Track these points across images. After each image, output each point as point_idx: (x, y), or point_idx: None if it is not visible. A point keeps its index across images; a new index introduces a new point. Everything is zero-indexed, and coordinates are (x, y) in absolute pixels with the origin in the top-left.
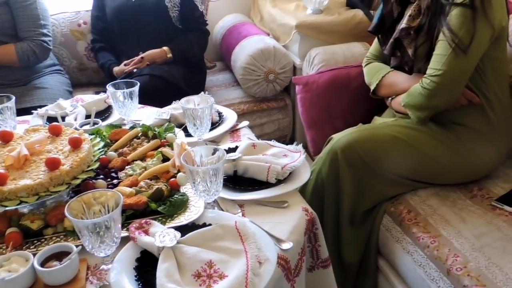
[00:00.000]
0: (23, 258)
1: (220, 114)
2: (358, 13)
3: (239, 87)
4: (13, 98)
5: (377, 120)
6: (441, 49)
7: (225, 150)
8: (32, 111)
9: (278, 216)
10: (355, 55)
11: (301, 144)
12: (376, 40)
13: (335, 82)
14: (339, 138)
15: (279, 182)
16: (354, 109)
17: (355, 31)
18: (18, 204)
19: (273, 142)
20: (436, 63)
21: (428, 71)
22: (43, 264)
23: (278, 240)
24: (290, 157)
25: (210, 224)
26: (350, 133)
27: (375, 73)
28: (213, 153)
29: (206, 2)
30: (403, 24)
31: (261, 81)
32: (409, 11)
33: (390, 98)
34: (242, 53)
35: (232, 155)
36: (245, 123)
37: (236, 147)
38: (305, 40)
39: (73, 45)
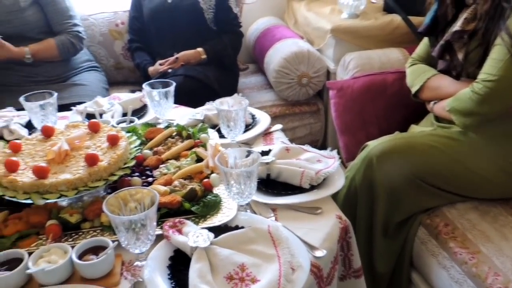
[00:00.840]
0: (62, 250)
1: (253, 117)
2: (396, 18)
3: (272, 89)
4: (55, 94)
5: (415, 129)
6: (498, 54)
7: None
8: (71, 107)
9: (311, 222)
10: (392, 61)
11: (336, 150)
12: (423, 42)
13: (371, 87)
14: (375, 145)
15: (312, 187)
16: (389, 116)
17: (392, 37)
18: (58, 198)
19: (306, 147)
20: (491, 68)
21: (481, 76)
22: (80, 257)
23: (311, 247)
24: (324, 162)
25: (242, 227)
26: (387, 141)
27: (419, 75)
28: (247, 156)
29: (240, 5)
30: (456, 27)
31: (294, 84)
32: (464, 14)
33: (432, 102)
34: (275, 56)
35: (266, 158)
36: (279, 126)
37: (269, 150)
38: (340, 45)
39: (110, 45)
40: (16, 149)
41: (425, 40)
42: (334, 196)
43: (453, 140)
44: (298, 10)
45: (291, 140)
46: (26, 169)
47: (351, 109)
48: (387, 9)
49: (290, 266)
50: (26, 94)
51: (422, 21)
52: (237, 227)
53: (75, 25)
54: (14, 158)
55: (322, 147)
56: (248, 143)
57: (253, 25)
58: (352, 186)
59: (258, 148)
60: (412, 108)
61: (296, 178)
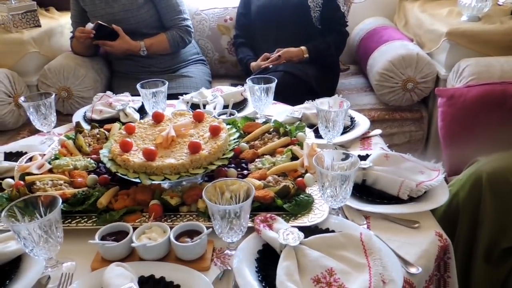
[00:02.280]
0: (162, 229)
1: (352, 119)
2: None
3: (372, 93)
4: (166, 83)
5: None
6: None
7: None
8: (178, 96)
9: (407, 236)
10: None
11: (441, 162)
12: None
13: (487, 98)
14: (487, 161)
15: (411, 199)
16: (506, 132)
17: None
18: (162, 180)
19: (408, 156)
20: None
21: None
22: (177, 238)
23: (405, 262)
24: (426, 174)
25: (333, 231)
26: (501, 158)
27: None
28: (343, 159)
29: (348, 3)
30: None
31: (397, 89)
32: None
33: None
34: (380, 58)
35: (363, 164)
36: (378, 131)
37: (367, 155)
38: (455, 49)
39: (217, 39)
40: (130, 131)
41: None
42: (432, 211)
43: None
44: (410, 11)
45: (388, 147)
46: (137, 150)
47: (461, 120)
48: None
49: (381, 278)
50: (142, 82)
51: None
52: (327, 230)
53: (184, 19)
54: (128, 139)
55: (421, 158)
56: (344, 145)
57: (360, 25)
58: (454, 203)
59: (355, 152)
60: None
61: (394, 188)
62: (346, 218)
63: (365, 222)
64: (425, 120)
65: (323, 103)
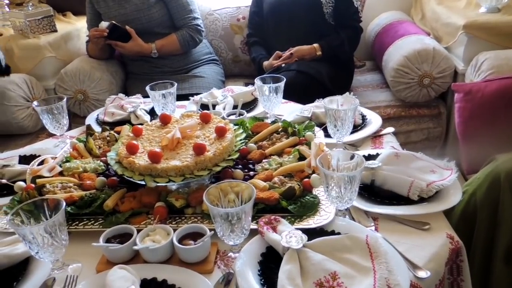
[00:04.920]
0: (165, 231)
1: (363, 117)
2: None
3: (388, 89)
4: (175, 85)
5: None
6: None
7: (364, 156)
8: (189, 97)
9: (416, 239)
10: None
11: (454, 161)
12: None
13: (507, 93)
14: (506, 159)
15: (421, 200)
16: None
17: None
18: (167, 182)
19: (420, 155)
20: None
21: None
22: (180, 241)
23: (414, 266)
24: (438, 173)
25: (339, 233)
26: None
27: None
28: (351, 158)
29: None
30: None
31: (414, 85)
32: None
33: None
34: (396, 53)
35: (371, 163)
36: (390, 129)
37: (377, 154)
38: (474, 43)
39: (230, 39)
40: (137, 134)
41: None
42: (448, 212)
43: None
44: (427, 4)
45: (405, 145)
46: (144, 152)
47: (479, 116)
48: None
49: (386, 283)
50: (151, 84)
51: None
52: (333, 232)
53: (195, 18)
54: (134, 142)
55: (440, 155)
56: (355, 145)
57: (375, 20)
58: (472, 203)
59: (366, 151)
60: None
61: (403, 188)
62: (353, 219)
63: (372, 224)
64: (443, 116)
65: (332, 101)
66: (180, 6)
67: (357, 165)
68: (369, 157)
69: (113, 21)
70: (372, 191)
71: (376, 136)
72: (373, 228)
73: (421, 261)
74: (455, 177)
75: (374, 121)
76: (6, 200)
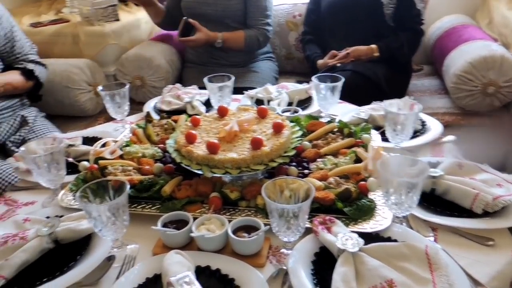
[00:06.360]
0: (220, 221)
1: (423, 123)
2: None
3: (447, 96)
4: (233, 78)
5: None
6: None
7: None
8: (244, 91)
9: (479, 254)
10: None
11: None
12: None
13: None
14: None
15: (485, 214)
16: None
17: None
18: (223, 173)
19: (485, 167)
20: None
21: None
22: (234, 232)
23: (476, 283)
24: (505, 188)
25: (395, 240)
26: None
27: None
28: (412, 165)
29: (425, 0)
30: None
31: (476, 93)
32: None
33: None
34: (459, 59)
35: (433, 172)
36: (451, 137)
37: (437, 162)
38: None
39: (285, 35)
40: (196, 124)
41: None
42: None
43: None
44: (495, 8)
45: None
46: (201, 143)
47: None
48: None
49: None
50: (209, 76)
51: None
52: (389, 239)
53: (268, 24)
54: (193, 131)
55: (501, 169)
56: (413, 151)
57: (437, 23)
58: None
59: (425, 158)
60: None
61: (467, 200)
62: (411, 228)
63: (432, 235)
64: (507, 127)
65: (392, 104)
66: (259, 6)
67: (420, 172)
68: (429, 165)
69: (185, 18)
70: (432, 200)
71: (435, 144)
72: (432, 238)
73: (484, 278)
74: None
75: (434, 128)
76: (70, 178)
